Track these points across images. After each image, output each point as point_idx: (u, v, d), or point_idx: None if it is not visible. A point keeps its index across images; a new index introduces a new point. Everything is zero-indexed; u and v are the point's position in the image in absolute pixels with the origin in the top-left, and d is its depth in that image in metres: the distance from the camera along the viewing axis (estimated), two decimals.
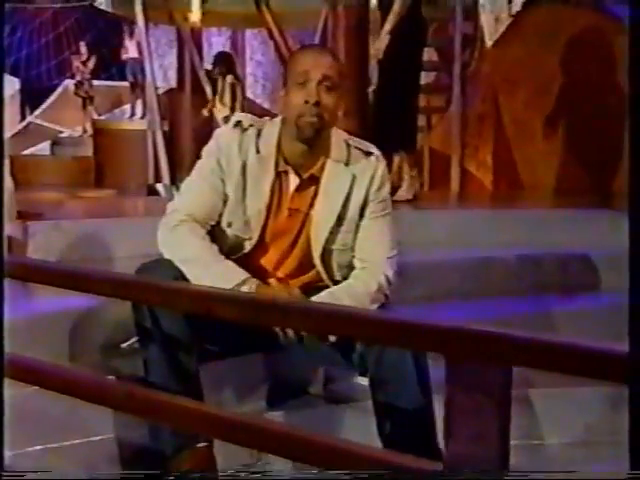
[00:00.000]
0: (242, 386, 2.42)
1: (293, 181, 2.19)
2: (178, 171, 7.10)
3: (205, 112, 7.67)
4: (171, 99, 8.83)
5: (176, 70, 9.54)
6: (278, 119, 2.20)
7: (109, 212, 4.48)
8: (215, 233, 2.18)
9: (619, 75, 5.12)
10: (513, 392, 2.65)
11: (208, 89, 7.85)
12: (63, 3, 15.50)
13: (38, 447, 2.06)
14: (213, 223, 2.18)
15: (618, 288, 3.49)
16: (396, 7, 4.41)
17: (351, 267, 2.22)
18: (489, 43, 5.97)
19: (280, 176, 2.18)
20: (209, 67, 8.35)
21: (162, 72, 12.38)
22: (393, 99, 4.59)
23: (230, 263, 2.11)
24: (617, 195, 5.10)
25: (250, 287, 2.04)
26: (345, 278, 2.21)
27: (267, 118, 2.26)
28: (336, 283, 2.21)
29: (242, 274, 2.07)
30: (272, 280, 2.17)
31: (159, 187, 7.16)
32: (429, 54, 6.30)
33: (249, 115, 2.27)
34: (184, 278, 2.05)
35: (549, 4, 5.54)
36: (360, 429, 2.38)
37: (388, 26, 4.46)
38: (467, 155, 6.43)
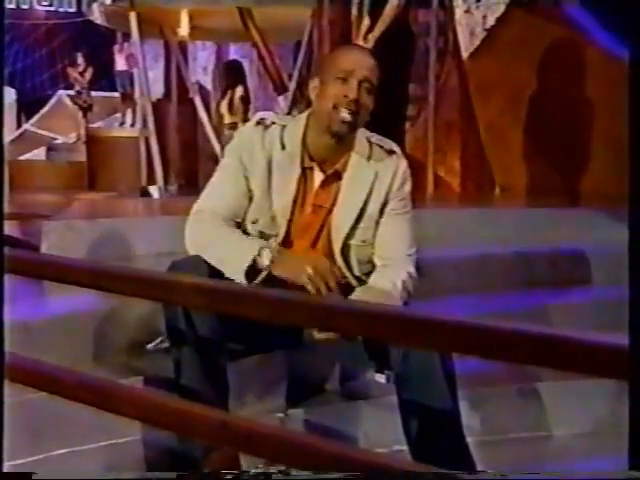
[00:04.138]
0: (261, 383, 2.20)
1: (317, 177, 2.00)
2: (167, 175, 6.85)
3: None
4: (158, 109, 8.54)
5: (163, 82, 9.23)
6: (303, 115, 2.01)
7: (115, 213, 4.21)
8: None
9: (587, 83, 4.99)
10: (522, 385, 2.47)
11: (197, 99, 7.53)
12: (57, 19, 15.15)
13: (63, 450, 1.82)
14: (238, 220, 1.98)
15: (597, 282, 3.36)
16: (388, 10, 4.14)
17: (371, 263, 2.03)
18: (465, 55, 5.82)
19: (305, 172, 1.98)
20: (198, 78, 8.05)
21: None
22: (386, 107, 4.40)
23: (243, 235, 1.91)
24: (585, 195, 4.97)
25: (271, 253, 1.84)
26: (365, 274, 2.02)
27: (290, 116, 2.07)
28: (357, 278, 2.01)
29: (257, 244, 1.87)
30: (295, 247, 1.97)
31: (152, 189, 6.89)
32: None
33: (271, 113, 2.07)
34: (215, 274, 1.83)
35: (521, 20, 5.40)
36: (377, 425, 2.20)
37: (377, 32, 4.20)
38: (437, 160, 6.27)
